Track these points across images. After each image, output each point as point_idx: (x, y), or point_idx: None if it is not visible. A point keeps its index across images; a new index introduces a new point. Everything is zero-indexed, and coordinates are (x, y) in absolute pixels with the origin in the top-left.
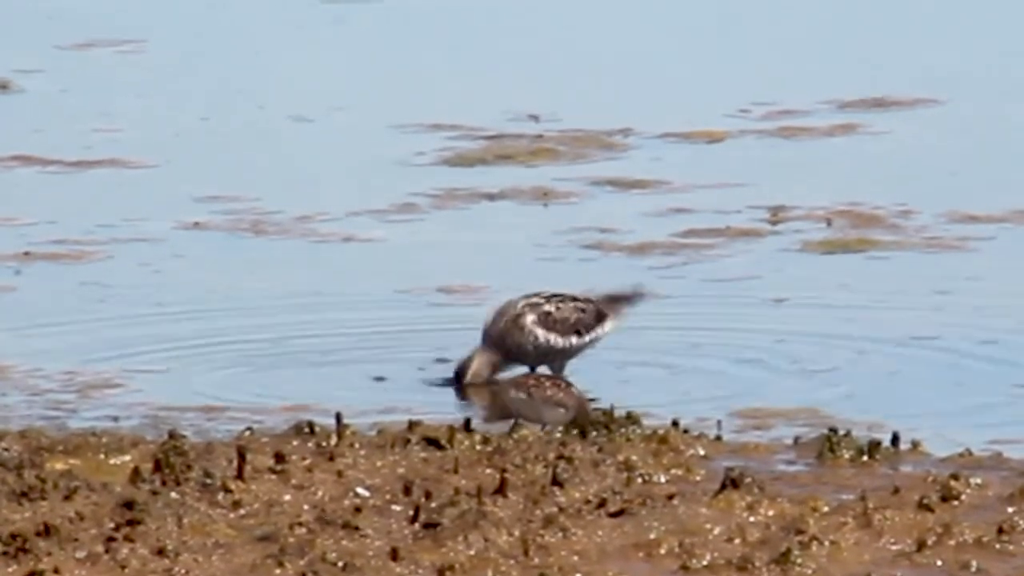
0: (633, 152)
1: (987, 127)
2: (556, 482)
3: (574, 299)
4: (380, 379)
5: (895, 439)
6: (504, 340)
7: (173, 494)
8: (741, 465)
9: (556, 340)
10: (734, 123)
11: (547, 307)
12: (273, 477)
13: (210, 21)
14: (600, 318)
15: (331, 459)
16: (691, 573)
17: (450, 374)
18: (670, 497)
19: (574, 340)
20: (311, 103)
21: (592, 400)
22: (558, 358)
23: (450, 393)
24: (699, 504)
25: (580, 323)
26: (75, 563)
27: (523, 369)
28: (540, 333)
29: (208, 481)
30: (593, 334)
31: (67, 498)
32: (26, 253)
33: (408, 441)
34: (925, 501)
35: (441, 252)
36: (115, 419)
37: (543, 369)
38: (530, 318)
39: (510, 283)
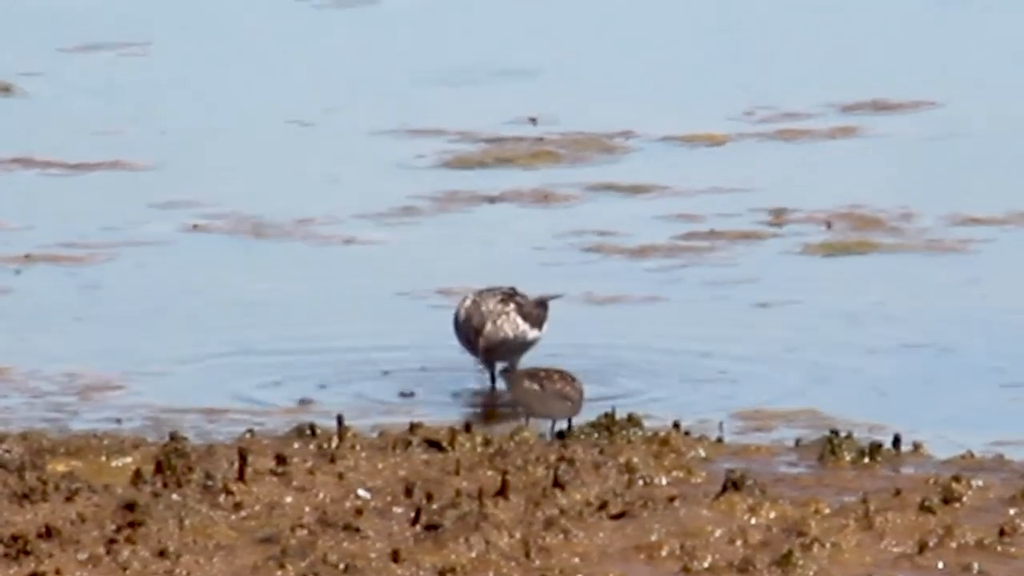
0: (634, 155)
1: (987, 129)
2: (557, 484)
3: (518, 294)
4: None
5: (896, 441)
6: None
7: (174, 496)
8: (742, 467)
9: (528, 332)
10: (735, 126)
11: (518, 298)
12: (274, 479)
13: (212, 24)
14: (542, 314)
15: (332, 461)
16: (692, 575)
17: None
18: (671, 499)
19: (537, 332)
20: (310, 107)
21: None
22: (518, 352)
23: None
24: (700, 506)
25: (539, 317)
26: (76, 565)
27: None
28: (519, 322)
29: (209, 483)
30: (545, 328)
31: (68, 500)
32: (27, 255)
33: (409, 443)
34: (927, 503)
35: (441, 255)
36: (119, 421)
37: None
38: (511, 307)
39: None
